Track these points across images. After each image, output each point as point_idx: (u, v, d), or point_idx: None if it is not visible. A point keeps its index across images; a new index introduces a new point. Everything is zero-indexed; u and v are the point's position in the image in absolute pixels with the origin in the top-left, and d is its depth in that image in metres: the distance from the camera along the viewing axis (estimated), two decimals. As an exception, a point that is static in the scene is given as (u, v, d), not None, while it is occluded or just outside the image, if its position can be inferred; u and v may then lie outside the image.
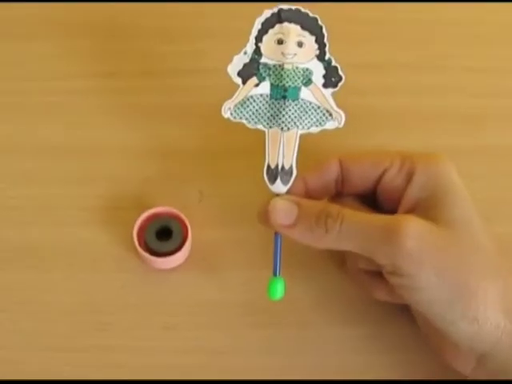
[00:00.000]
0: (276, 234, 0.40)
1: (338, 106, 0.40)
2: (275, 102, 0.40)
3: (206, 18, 0.55)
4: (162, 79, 0.52)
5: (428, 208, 0.38)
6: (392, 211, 0.40)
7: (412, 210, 0.39)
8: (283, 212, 0.39)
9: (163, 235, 0.44)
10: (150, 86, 0.51)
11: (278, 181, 0.39)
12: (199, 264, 0.45)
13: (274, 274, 0.40)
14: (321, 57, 0.39)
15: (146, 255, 0.43)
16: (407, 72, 0.54)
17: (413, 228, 0.36)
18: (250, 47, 0.40)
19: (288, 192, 0.40)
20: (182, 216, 0.44)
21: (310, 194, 0.41)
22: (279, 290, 0.40)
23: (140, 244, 0.43)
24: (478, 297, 0.36)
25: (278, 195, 0.40)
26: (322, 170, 0.42)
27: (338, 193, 0.43)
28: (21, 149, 0.49)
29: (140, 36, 0.54)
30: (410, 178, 0.39)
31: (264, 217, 0.39)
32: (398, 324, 0.43)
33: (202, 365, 0.43)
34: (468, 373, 0.38)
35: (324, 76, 0.39)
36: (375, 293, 0.42)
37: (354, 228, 0.37)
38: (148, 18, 0.55)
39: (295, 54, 0.39)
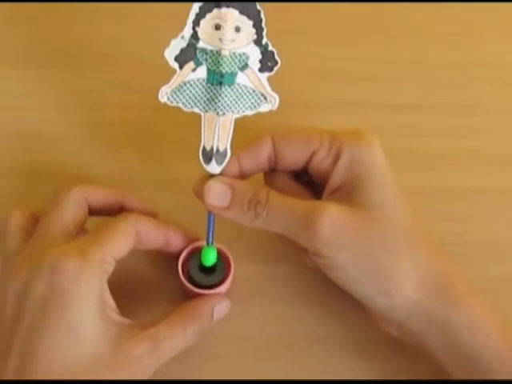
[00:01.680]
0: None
1: (273, 89, 0.40)
2: (211, 87, 0.40)
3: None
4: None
5: (350, 190, 0.41)
6: (322, 188, 0.43)
7: (337, 191, 0.41)
8: (218, 195, 0.41)
9: (206, 268, 0.44)
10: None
11: (213, 161, 0.40)
12: (238, 297, 0.45)
13: (208, 244, 0.43)
14: (258, 41, 0.39)
15: (190, 287, 0.43)
16: (443, 113, 0.56)
17: (328, 217, 0.39)
18: (187, 31, 0.39)
19: (222, 172, 0.41)
20: (226, 250, 0.45)
21: (243, 172, 0.43)
22: (212, 257, 0.43)
23: (184, 276, 0.44)
24: (389, 274, 0.39)
25: (212, 175, 0.41)
26: (254, 148, 0.43)
27: (272, 169, 0.44)
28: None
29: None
30: (336, 159, 0.41)
31: (199, 195, 0.41)
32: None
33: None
34: (395, 335, 0.42)
35: (260, 60, 0.40)
36: (306, 262, 0.44)
37: (278, 215, 0.40)
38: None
39: (233, 40, 0.39)
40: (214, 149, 0.40)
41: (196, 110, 0.40)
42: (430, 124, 0.55)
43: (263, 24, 0.39)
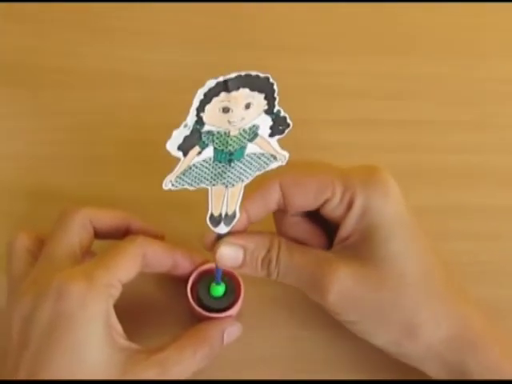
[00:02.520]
0: None
1: (282, 147, 0.37)
2: (219, 164, 0.36)
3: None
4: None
5: (360, 241, 0.40)
6: (335, 227, 0.42)
7: (348, 238, 0.40)
8: (230, 258, 0.40)
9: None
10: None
11: (222, 224, 0.39)
12: (248, 319, 0.45)
13: (216, 282, 0.43)
14: (269, 111, 0.34)
15: (199, 310, 0.43)
16: (454, 129, 0.55)
17: (335, 285, 0.39)
18: (190, 119, 0.33)
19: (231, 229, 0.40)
20: (235, 272, 0.44)
21: (251, 219, 0.42)
22: (220, 291, 0.44)
23: (193, 299, 0.43)
24: (400, 327, 0.39)
25: (220, 235, 0.40)
26: (262, 196, 0.42)
27: (281, 210, 0.43)
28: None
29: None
30: (349, 207, 0.40)
31: (209, 250, 0.41)
32: None
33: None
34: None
35: (271, 127, 0.35)
36: None
37: (288, 276, 0.41)
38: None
39: (243, 119, 0.34)
40: (223, 215, 0.39)
41: (202, 185, 0.37)
42: (441, 141, 0.55)
43: (276, 94, 0.34)
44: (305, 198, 0.41)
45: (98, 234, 0.43)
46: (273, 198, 0.41)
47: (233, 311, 0.44)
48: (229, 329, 0.42)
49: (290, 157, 0.37)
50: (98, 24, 0.61)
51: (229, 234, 0.40)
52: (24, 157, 0.53)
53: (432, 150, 0.54)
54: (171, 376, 0.38)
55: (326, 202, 0.41)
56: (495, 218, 0.51)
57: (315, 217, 0.43)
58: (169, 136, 0.33)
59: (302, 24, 0.62)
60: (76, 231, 0.41)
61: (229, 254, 0.40)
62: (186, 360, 0.39)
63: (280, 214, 0.43)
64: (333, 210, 0.41)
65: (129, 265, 0.40)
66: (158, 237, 0.44)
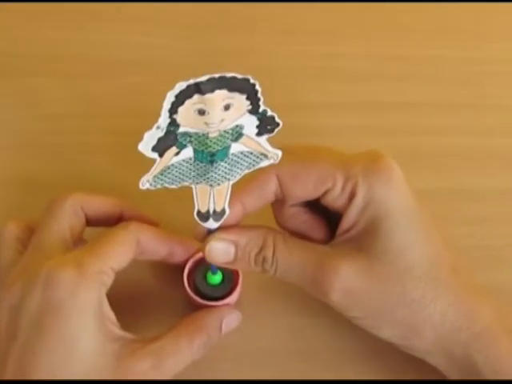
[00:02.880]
0: None
1: (274, 146, 0.35)
2: (201, 164, 0.34)
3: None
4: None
5: (364, 233, 0.38)
6: (336, 216, 0.40)
7: (351, 229, 0.39)
8: (221, 254, 0.39)
9: None
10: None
11: (211, 220, 0.37)
12: (247, 308, 0.44)
13: (213, 272, 0.42)
14: (254, 110, 0.32)
15: (196, 298, 0.42)
16: (456, 111, 0.55)
17: (338, 284, 0.37)
18: (163, 121, 0.31)
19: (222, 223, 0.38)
20: None
21: (247, 211, 0.40)
22: (217, 278, 0.42)
23: (190, 287, 0.43)
24: (405, 321, 0.38)
25: (210, 231, 0.39)
26: (258, 188, 0.40)
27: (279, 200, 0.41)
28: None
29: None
30: (351, 198, 0.38)
31: (200, 241, 0.40)
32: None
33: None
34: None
35: (258, 126, 0.33)
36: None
37: (287, 274, 0.39)
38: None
39: (222, 120, 0.32)
40: (211, 211, 0.37)
41: (185, 183, 0.36)
42: (444, 123, 0.54)
43: (259, 94, 0.32)
44: (304, 189, 0.39)
45: (90, 221, 0.42)
46: (270, 189, 0.40)
47: (231, 299, 0.42)
48: (227, 317, 0.41)
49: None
50: (92, 11, 0.60)
51: (220, 228, 0.39)
52: (14, 146, 0.52)
53: (434, 133, 0.54)
54: (167, 366, 0.37)
55: (326, 192, 0.39)
56: (499, 201, 0.51)
57: (316, 206, 0.41)
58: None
59: (301, 6, 0.62)
60: (66, 218, 0.40)
61: (219, 250, 0.39)
62: (183, 349, 0.38)
63: (278, 204, 0.42)
64: (334, 200, 0.39)
65: (121, 251, 0.38)
66: (153, 224, 0.42)
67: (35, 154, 0.51)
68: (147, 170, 0.34)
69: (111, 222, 0.42)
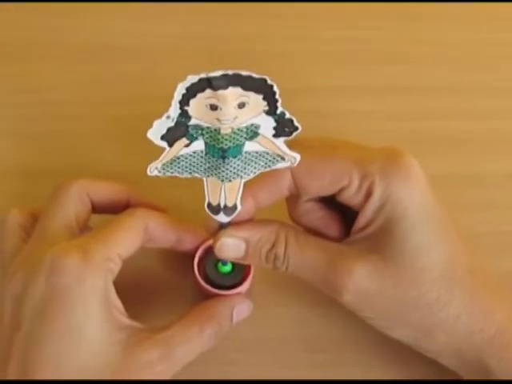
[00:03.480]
0: None
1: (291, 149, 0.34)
2: (212, 159, 0.34)
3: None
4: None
5: (379, 233, 0.37)
6: (352, 211, 0.39)
7: (366, 227, 0.38)
8: (231, 250, 0.38)
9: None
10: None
11: (221, 214, 0.36)
12: (259, 297, 0.43)
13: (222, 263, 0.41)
14: (271, 112, 0.32)
15: (207, 287, 0.41)
16: (472, 95, 0.54)
17: (351, 284, 0.36)
18: (173, 111, 0.31)
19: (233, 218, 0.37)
20: None
21: (259, 206, 0.39)
22: (227, 268, 0.42)
23: (200, 275, 0.42)
24: (417, 323, 0.37)
25: (221, 225, 0.38)
26: (271, 183, 0.39)
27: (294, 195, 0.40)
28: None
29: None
30: (368, 196, 0.37)
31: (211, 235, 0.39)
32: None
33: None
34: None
35: (275, 127, 0.33)
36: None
37: (299, 272, 0.39)
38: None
39: (236, 118, 0.31)
40: (222, 205, 0.36)
41: (196, 175, 0.35)
42: (459, 106, 0.53)
43: (277, 96, 0.31)
44: (319, 185, 0.38)
45: (96, 208, 0.41)
46: (284, 184, 0.39)
47: (242, 288, 0.42)
48: (238, 306, 0.40)
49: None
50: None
51: (231, 223, 0.38)
52: (15, 133, 0.51)
53: (448, 117, 0.53)
54: (176, 356, 0.36)
55: (342, 189, 0.38)
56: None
57: (331, 202, 0.40)
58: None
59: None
60: (72, 204, 0.39)
61: (230, 246, 0.38)
62: (193, 339, 0.37)
63: (292, 199, 0.40)
64: (350, 198, 0.38)
65: (129, 238, 0.37)
66: (161, 211, 0.41)
67: (37, 142, 0.50)
68: (154, 157, 0.34)
69: (118, 208, 0.41)
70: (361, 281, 0.36)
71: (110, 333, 0.35)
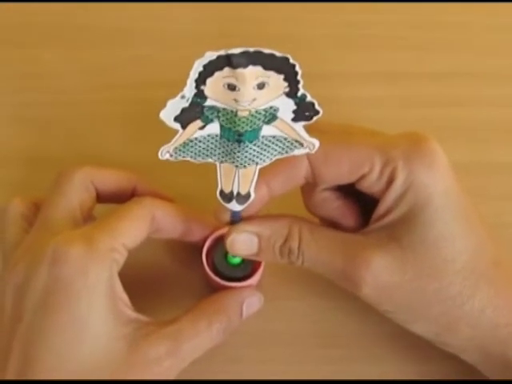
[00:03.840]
0: None
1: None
2: (227, 143, 0.33)
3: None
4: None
5: (400, 222, 0.36)
6: (371, 199, 0.38)
7: (387, 214, 0.36)
8: (244, 247, 0.37)
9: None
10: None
11: (234, 202, 0.35)
12: (269, 290, 0.42)
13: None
14: (291, 94, 0.30)
15: (216, 279, 0.40)
16: (491, 81, 0.53)
17: (369, 277, 0.35)
18: (188, 91, 0.30)
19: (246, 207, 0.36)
20: None
21: (273, 194, 0.38)
22: (237, 259, 0.40)
23: (209, 266, 0.41)
24: (439, 317, 0.36)
25: (233, 216, 0.37)
26: (287, 171, 0.37)
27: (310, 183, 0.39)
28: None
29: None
30: (390, 183, 0.36)
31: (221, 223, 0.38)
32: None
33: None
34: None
35: (295, 111, 0.31)
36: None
37: (315, 265, 0.37)
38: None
39: (254, 99, 0.30)
40: (235, 193, 0.35)
41: (209, 160, 0.34)
42: (479, 94, 0.52)
43: (299, 77, 0.29)
44: (337, 173, 0.37)
45: (101, 197, 0.40)
46: (300, 172, 0.37)
47: (253, 280, 0.41)
48: (248, 299, 0.39)
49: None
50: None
51: (243, 219, 0.37)
52: (18, 119, 0.50)
53: (470, 104, 0.52)
54: (184, 351, 0.35)
55: (362, 177, 0.37)
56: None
57: (349, 191, 0.39)
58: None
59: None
60: (76, 193, 0.38)
61: (242, 242, 0.37)
62: (201, 333, 0.36)
63: (309, 188, 0.39)
64: (370, 185, 0.37)
65: (135, 228, 0.36)
66: (168, 200, 0.40)
67: (38, 128, 0.49)
68: (163, 143, 0.33)
69: (124, 197, 0.40)
70: (380, 273, 0.35)
71: (115, 326, 0.33)
